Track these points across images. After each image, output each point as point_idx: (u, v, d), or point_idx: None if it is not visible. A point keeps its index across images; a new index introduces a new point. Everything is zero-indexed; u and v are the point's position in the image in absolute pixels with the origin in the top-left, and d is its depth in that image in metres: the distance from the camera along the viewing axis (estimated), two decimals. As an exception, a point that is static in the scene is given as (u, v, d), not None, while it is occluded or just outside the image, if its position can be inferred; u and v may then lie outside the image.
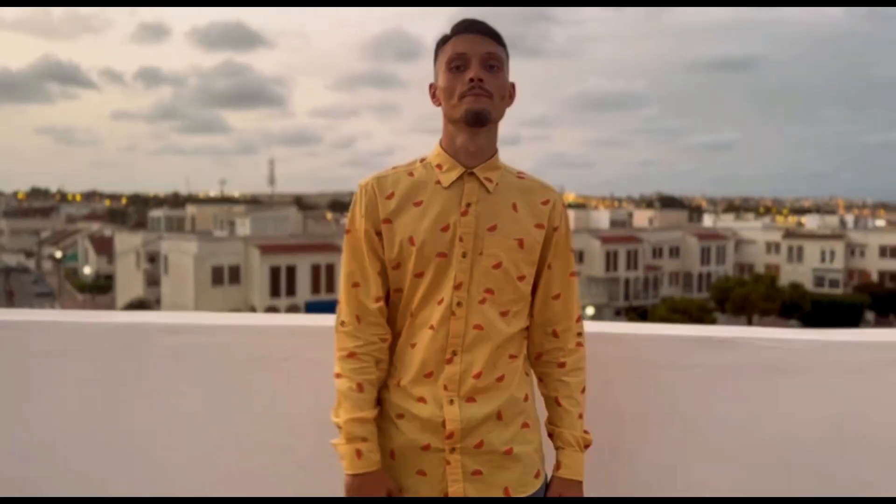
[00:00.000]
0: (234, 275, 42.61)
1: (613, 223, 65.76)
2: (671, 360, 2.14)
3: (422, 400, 1.63)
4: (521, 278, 1.66)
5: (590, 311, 46.88)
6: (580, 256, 54.14)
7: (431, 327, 1.63)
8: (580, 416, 1.71)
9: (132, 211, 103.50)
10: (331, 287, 42.34)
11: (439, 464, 1.62)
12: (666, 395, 2.13)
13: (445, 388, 1.61)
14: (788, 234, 63.78)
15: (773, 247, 62.37)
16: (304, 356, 2.13)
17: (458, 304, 1.62)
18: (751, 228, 67.47)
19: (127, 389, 2.15)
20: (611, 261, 54.18)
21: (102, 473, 2.16)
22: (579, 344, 1.75)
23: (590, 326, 2.34)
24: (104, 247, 61.90)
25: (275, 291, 41.92)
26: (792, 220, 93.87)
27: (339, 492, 2.10)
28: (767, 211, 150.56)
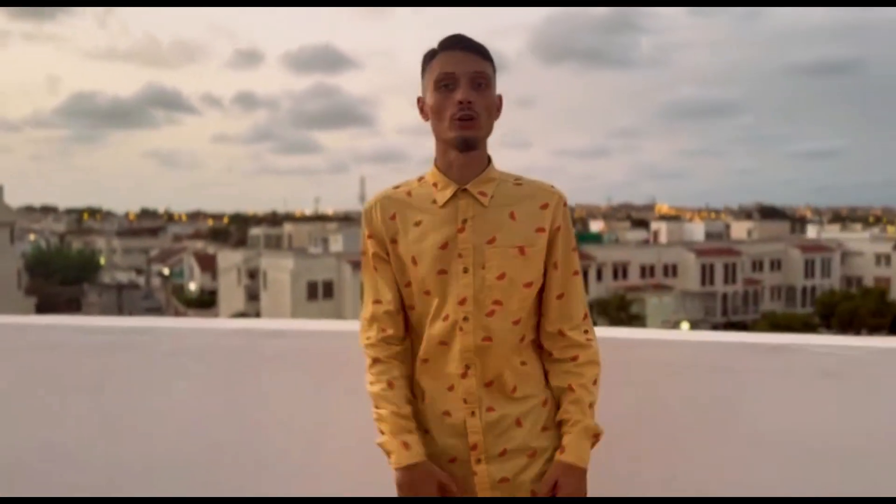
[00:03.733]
0: (328, 290, 44.04)
1: (709, 235, 63.72)
2: (727, 365, 2.27)
3: (447, 414, 1.71)
4: (528, 285, 1.70)
5: (684, 326, 45.54)
6: (673, 270, 52.83)
7: (442, 343, 1.69)
8: (591, 406, 1.72)
9: (233, 229, 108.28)
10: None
11: (466, 474, 1.70)
12: (721, 399, 2.26)
13: (465, 401, 1.69)
14: (900, 244, 60.07)
15: (882, 258, 58.79)
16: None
17: (465, 318, 1.67)
18: (858, 239, 63.77)
19: (237, 385, 2.47)
20: (707, 274, 52.44)
21: (210, 463, 2.49)
22: (588, 340, 1.75)
23: (647, 334, 2.50)
24: (208, 264, 65.04)
25: (367, 306, 42.80)
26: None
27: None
28: (877, 221, 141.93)
